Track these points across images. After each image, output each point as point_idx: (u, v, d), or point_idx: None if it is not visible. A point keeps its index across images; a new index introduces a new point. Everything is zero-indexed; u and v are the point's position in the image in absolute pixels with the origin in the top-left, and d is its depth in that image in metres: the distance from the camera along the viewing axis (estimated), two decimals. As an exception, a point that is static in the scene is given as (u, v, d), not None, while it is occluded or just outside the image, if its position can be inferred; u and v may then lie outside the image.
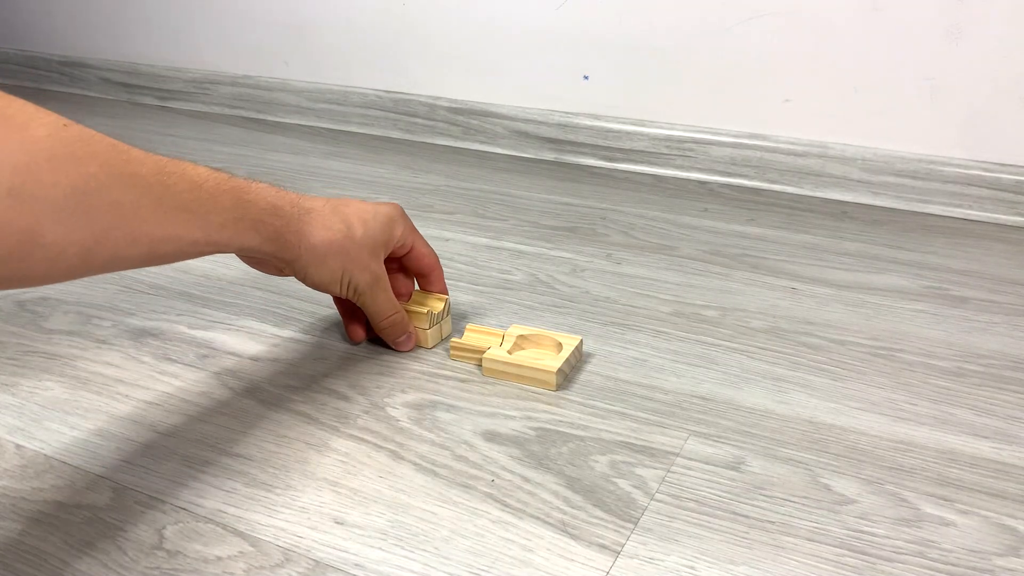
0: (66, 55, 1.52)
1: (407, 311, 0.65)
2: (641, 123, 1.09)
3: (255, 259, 0.59)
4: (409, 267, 0.67)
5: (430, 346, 0.66)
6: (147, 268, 0.80)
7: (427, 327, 0.65)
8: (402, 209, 0.64)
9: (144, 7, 1.41)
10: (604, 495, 0.50)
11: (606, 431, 0.56)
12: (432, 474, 0.52)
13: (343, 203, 0.60)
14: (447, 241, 0.87)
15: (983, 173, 0.93)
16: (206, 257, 0.82)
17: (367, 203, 0.62)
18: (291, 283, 0.77)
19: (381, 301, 0.62)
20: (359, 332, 0.66)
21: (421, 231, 0.67)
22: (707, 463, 0.53)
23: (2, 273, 0.39)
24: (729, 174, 1.05)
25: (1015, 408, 0.59)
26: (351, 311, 0.67)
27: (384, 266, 0.62)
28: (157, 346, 0.67)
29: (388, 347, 0.66)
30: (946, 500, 0.50)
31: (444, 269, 0.68)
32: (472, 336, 0.65)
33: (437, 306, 0.66)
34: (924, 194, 0.96)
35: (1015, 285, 0.78)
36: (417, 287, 0.69)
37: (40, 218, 0.39)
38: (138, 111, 1.42)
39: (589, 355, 0.66)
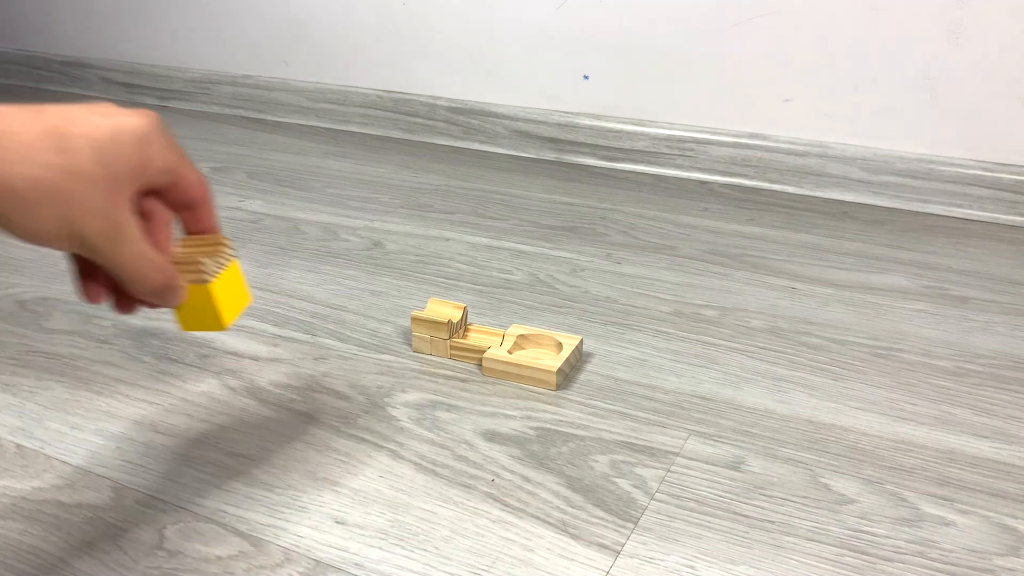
0: (66, 55, 1.52)
1: (424, 321, 0.62)
2: (641, 123, 1.09)
3: None
4: (170, 200, 0.47)
5: (448, 356, 0.65)
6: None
7: (446, 337, 0.65)
8: (159, 120, 0.44)
9: (144, 7, 1.41)
10: (604, 495, 0.50)
11: (606, 431, 0.56)
12: (432, 474, 0.52)
13: (65, 119, 0.41)
14: (447, 241, 0.87)
15: (983, 173, 0.94)
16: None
17: (106, 115, 0.43)
18: (291, 283, 0.77)
19: (130, 258, 0.43)
20: (95, 290, 0.46)
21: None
22: (707, 463, 0.53)
23: None
24: (729, 174, 1.05)
25: (1015, 408, 0.59)
26: (87, 264, 0.47)
27: (131, 207, 0.43)
28: (157, 346, 0.67)
29: (388, 347, 0.66)
30: (946, 500, 0.50)
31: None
32: (472, 336, 0.65)
33: (455, 315, 0.65)
34: (924, 194, 0.96)
35: (1015, 285, 0.78)
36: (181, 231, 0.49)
37: None
38: (138, 111, 1.41)
39: (589, 355, 0.66)
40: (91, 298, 0.47)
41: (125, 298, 0.48)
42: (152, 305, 0.47)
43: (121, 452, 0.55)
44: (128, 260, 0.43)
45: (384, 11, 1.21)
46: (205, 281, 0.46)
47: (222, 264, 0.48)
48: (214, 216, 0.49)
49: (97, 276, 0.47)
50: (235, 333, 0.69)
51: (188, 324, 0.48)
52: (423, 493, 0.51)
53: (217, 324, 0.47)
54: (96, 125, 0.42)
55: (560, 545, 0.47)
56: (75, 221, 0.41)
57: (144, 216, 0.46)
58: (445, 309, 0.66)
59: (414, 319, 0.65)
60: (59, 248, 0.42)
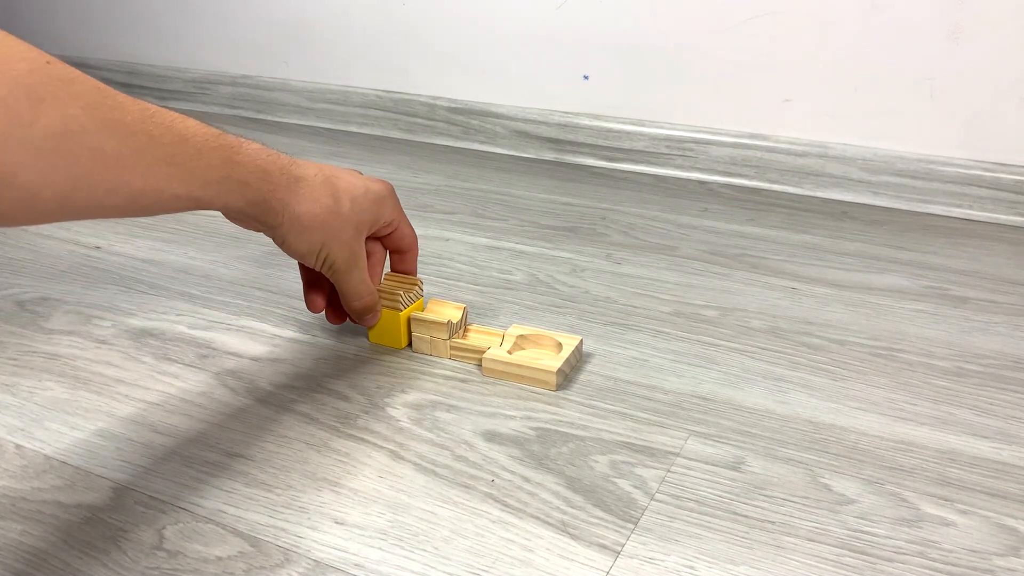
0: (66, 55, 1.52)
1: (424, 321, 0.65)
2: (641, 123, 1.09)
3: (237, 217, 0.56)
4: (388, 245, 0.66)
5: (447, 357, 0.66)
6: (147, 268, 0.80)
7: (446, 337, 0.65)
8: (392, 188, 0.63)
9: (144, 7, 1.41)
10: (604, 495, 0.50)
11: (606, 431, 0.56)
12: (432, 474, 0.52)
13: (335, 175, 0.58)
14: (447, 241, 0.87)
15: (983, 173, 0.93)
16: (206, 257, 0.83)
17: (360, 178, 0.61)
18: (291, 283, 0.77)
19: (355, 282, 0.61)
20: (319, 302, 0.64)
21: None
22: (707, 463, 0.53)
23: None
24: (729, 174, 1.05)
25: (1015, 408, 0.59)
26: (314, 280, 0.64)
27: (363, 244, 0.61)
28: (157, 346, 0.67)
29: (389, 347, 0.66)
30: (946, 500, 0.50)
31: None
32: (472, 336, 0.65)
33: (455, 316, 0.65)
34: (924, 194, 0.96)
35: (1015, 285, 0.78)
36: (388, 268, 0.68)
37: (15, 158, 0.37)
38: (138, 111, 1.41)
39: (589, 355, 0.66)
40: (314, 308, 0.64)
41: (337, 312, 0.66)
42: (355, 320, 0.64)
43: (121, 452, 0.55)
44: (353, 282, 0.61)
45: (384, 11, 1.21)
46: (398, 310, 0.65)
47: (412, 300, 0.66)
48: (416, 263, 0.67)
49: (321, 291, 0.64)
50: (235, 333, 0.69)
51: (375, 338, 0.67)
52: (423, 493, 0.51)
53: (398, 343, 0.66)
54: (355, 184, 0.59)
55: (560, 545, 0.47)
56: (330, 247, 0.58)
57: (367, 253, 0.62)
58: (445, 310, 0.66)
59: (414, 319, 0.65)
60: (310, 264, 0.59)
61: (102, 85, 0.43)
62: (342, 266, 0.59)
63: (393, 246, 0.66)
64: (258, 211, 0.54)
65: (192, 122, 0.49)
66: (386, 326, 0.66)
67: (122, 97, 0.44)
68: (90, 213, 0.44)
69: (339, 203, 0.57)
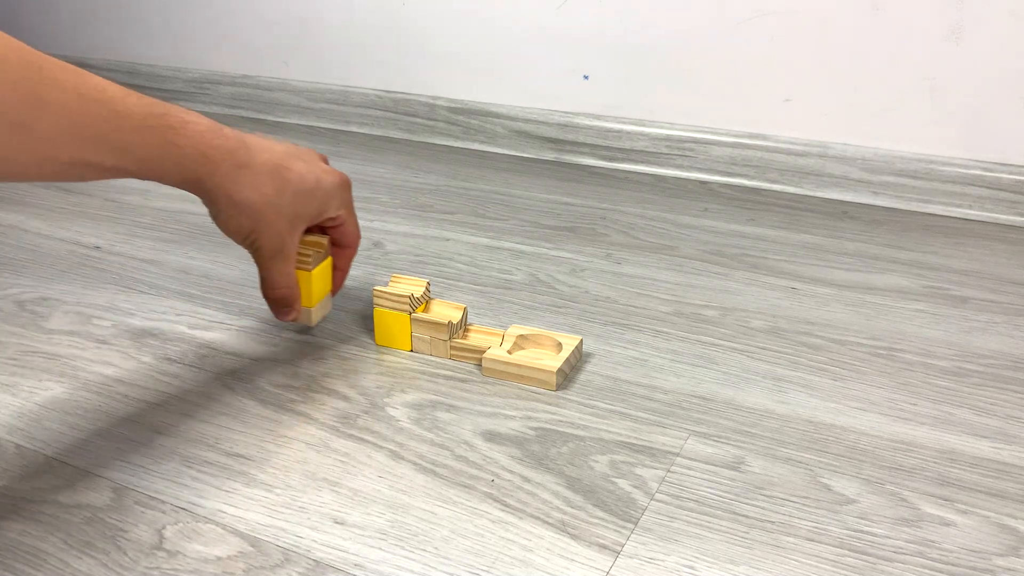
0: (66, 55, 1.52)
1: (425, 322, 0.64)
2: (641, 123, 1.09)
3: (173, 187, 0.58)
4: (331, 237, 0.66)
5: (447, 356, 0.65)
6: (147, 269, 0.80)
7: (446, 338, 0.65)
8: (347, 182, 0.63)
9: (144, 7, 1.41)
10: (604, 495, 0.50)
11: (606, 431, 0.56)
12: (432, 474, 0.52)
13: (286, 165, 0.58)
14: (447, 241, 0.87)
15: (983, 173, 0.93)
16: (206, 257, 0.83)
17: (315, 168, 0.61)
18: (291, 283, 0.77)
19: (276, 272, 0.61)
20: None
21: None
22: (707, 463, 0.53)
23: None
24: (729, 174, 1.05)
25: (1015, 408, 0.59)
26: None
27: (299, 236, 0.61)
28: (157, 346, 0.67)
29: (389, 348, 0.66)
30: (946, 500, 0.50)
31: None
32: (472, 336, 0.65)
33: (455, 316, 0.65)
34: (924, 194, 0.96)
35: (1015, 285, 0.78)
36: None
37: None
38: (138, 111, 1.41)
39: (589, 355, 0.66)
40: None
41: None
42: (271, 309, 0.64)
43: (121, 452, 0.55)
44: (274, 272, 0.61)
45: (384, 11, 1.21)
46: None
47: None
48: (351, 260, 0.68)
49: None
50: (235, 333, 0.69)
51: (381, 340, 0.67)
52: (423, 493, 0.51)
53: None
54: (303, 175, 0.59)
55: (560, 545, 0.47)
56: (259, 234, 0.58)
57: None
58: (446, 310, 0.66)
59: (414, 320, 0.65)
60: (238, 243, 0.59)
61: (42, 61, 0.44)
62: (267, 254, 0.60)
63: (335, 240, 0.66)
64: (193, 188, 0.55)
65: (136, 99, 0.50)
66: (390, 328, 0.66)
67: (56, 70, 0.45)
68: (17, 179, 0.46)
69: (280, 195, 0.58)
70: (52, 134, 0.45)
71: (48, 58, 0.45)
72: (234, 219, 0.57)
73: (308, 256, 0.64)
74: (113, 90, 0.49)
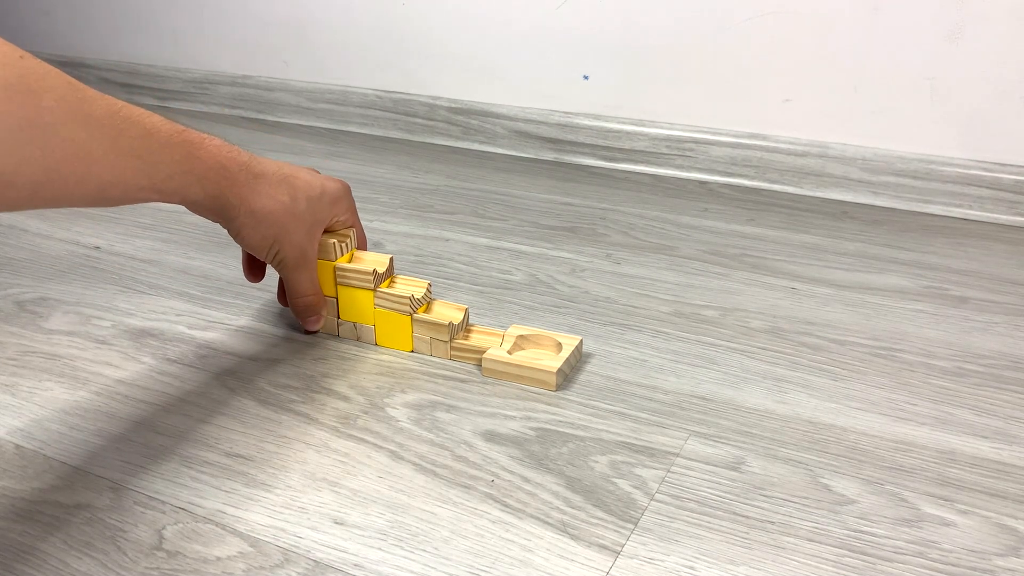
0: (66, 55, 1.52)
1: (426, 323, 0.64)
2: (641, 123, 1.09)
3: (197, 209, 0.58)
4: None
5: (448, 357, 0.65)
6: (147, 269, 0.80)
7: (447, 339, 0.65)
8: (348, 188, 0.65)
9: (144, 7, 1.41)
10: (604, 495, 0.50)
11: (606, 431, 0.56)
12: (432, 474, 0.52)
13: (293, 174, 0.60)
14: (447, 241, 0.87)
15: (983, 173, 0.93)
16: (206, 257, 0.83)
17: (317, 177, 0.62)
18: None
19: (302, 280, 0.62)
20: (257, 276, 0.67)
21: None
22: (707, 463, 0.53)
23: None
24: (729, 174, 1.05)
25: (1015, 408, 0.59)
26: (254, 259, 0.67)
27: (318, 242, 0.63)
28: (157, 346, 0.67)
29: (389, 348, 0.66)
30: (946, 500, 0.50)
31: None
32: (472, 336, 0.65)
33: (457, 317, 0.65)
34: (924, 194, 0.96)
35: (1015, 285, 0.78)
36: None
37: None
38: (138, 111, 1.41)
39: (589, 355, 0.66)
40: (251, 278, 0.67)
41: (255, 272, 0.67)
42: (297, 317, 0.65)
43: (120, 452, 0.55)
44: (300, 280, 0.62)
45: (384, 11, 1.21)
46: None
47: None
48: None
49: (260, 269, 0.67)
50: (235, 333, 0.69)
51: (382, 341, 0.67)
52: (423, 493, 0.51)
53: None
54: (310, 183, 0.61)
55: (560, 546, 0.47)
56: (282, 243, 0.59)
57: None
58: (447, 311, 0.66)
59: (415, 321, 0.65)
60: (261, 257, 0.61)
61: (72, 79, 0.45)
62: (291, 263, 0.61)
63: None
64: (216, 204, 0.56)
65: (157, 118, 0.50)
66: (392, 328, 0.66)
67: (91, 92, 0.46)
68: (59, 203, 0.46)
69: (296, 202, 0.59)
70: (95, 151, 0.45)
71: (74, 79, 0.46)
72: (257, 230, 0.58)
73: (331, 245, 0.64)
74: (137, 109, 0.49)
